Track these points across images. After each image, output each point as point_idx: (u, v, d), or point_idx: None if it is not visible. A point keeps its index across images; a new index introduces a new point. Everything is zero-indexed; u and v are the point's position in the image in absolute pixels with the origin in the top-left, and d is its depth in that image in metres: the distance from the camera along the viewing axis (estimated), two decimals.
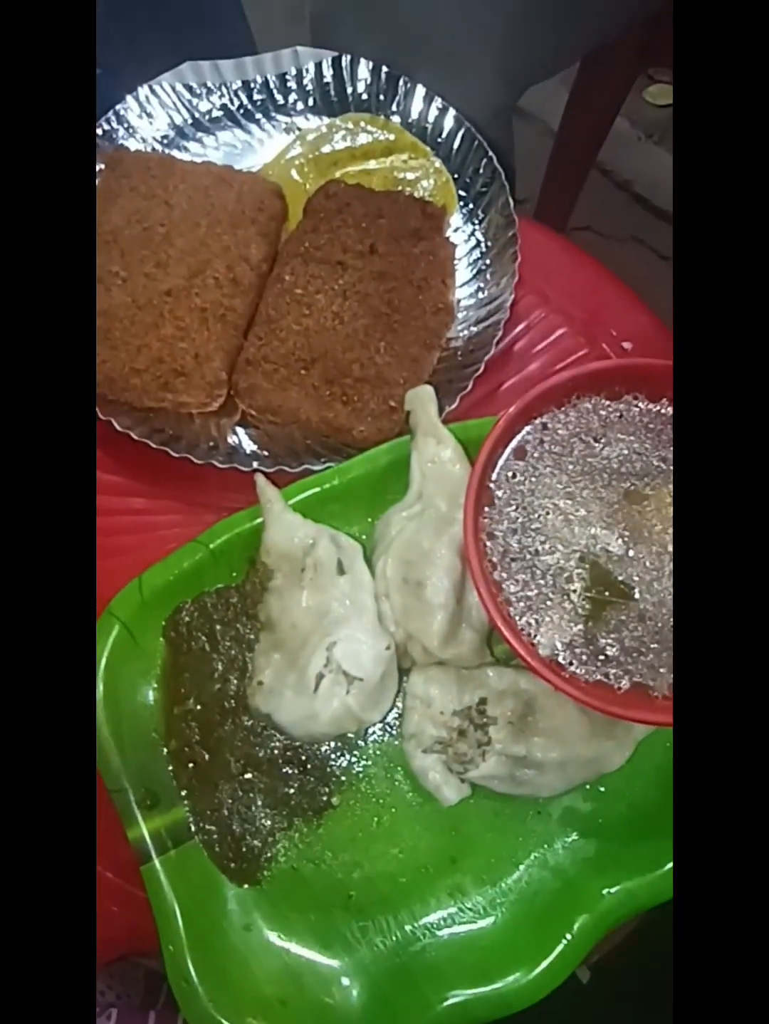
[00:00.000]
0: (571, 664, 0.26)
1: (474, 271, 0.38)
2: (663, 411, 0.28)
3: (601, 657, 0.26)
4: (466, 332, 0.36)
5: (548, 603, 0.27)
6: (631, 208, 1.11)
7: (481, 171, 0.40)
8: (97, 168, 0.38)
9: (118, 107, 0.40)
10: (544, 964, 0.25)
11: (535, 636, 0.26)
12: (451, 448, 0.31)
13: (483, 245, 0.38)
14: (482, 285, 0.37)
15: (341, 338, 0.35)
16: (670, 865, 0.26)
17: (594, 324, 0.39)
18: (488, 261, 0.38)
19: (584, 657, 0.26)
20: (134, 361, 0.33)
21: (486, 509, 0.28)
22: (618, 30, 0.52)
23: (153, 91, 0.40)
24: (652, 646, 0.26)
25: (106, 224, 0.36)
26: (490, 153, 0.39)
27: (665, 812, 0.27)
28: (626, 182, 1.15)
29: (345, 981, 0.26)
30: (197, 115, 0.41)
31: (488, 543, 0.27)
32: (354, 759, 0.29)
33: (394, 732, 0.29)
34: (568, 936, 0.25)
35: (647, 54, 0.61)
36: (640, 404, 0.28)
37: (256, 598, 0.30)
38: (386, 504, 0.32)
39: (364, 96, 0.42)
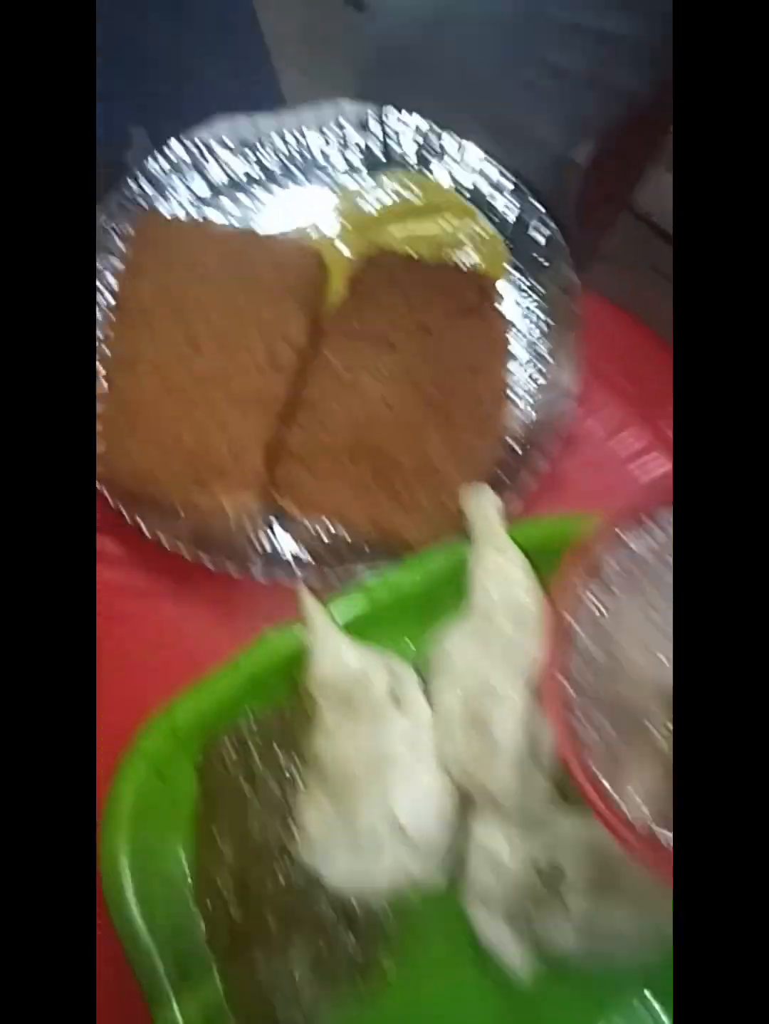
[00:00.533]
0: (660, 830, 0.23)
1: (532, 350, 0.35)
2: None
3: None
4: (526, 419, 0.34)
5: (632, 753, 0.24)
6: (651, 241, 1.09)
7: (537, 237, 0.37)
8: (127, 235, 0.35)
9: (147, 164, 0.37)
10: None
11: (620, 795, 0.23)
12: (516, 560, 0.28)
13: (541, 321, 0.36)
14: (541, 366, 0.35)
15: (390, 426, 0.32)
16: None
17: (655, 405, 0.36)
18: (547, 338, 0.35)
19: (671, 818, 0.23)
20: (165, 455, 0.30)
21: (565, 644, 0.25)
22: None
23: (185, 147, 0.38)
24: None
25: (135, 300, 0.33)
26: (547, 217, 0.37)
27: None
28: (645, 214, 1.13)
29: None
30: (231, 173, 0.39)
31: (566, 684, 0.24)
32: (412, 920, 0.26)
33: (453, 893, 0.26)
34: None
35: None
36: None
37: (301, 730, 0.27)
38: (441, 618, 0.29)
39: (409, 153, 0.40)
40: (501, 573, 0.28)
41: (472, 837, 0.26)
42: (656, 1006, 0.26)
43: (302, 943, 0.25)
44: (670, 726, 0.24)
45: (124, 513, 0.30)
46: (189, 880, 0.26)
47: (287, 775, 0.26)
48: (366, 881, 0.24)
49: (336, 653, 0.26)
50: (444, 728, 0.26)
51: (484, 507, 0.29)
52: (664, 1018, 0.26)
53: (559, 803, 0.27)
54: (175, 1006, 0.23)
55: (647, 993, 0.26)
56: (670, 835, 0.23)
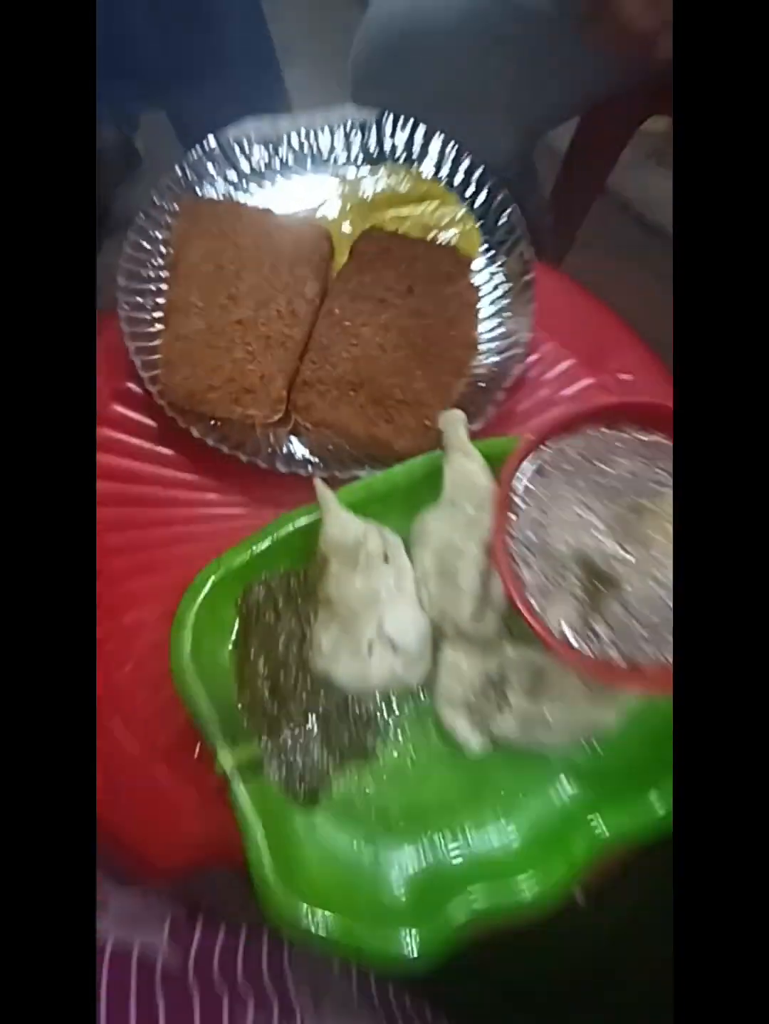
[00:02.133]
0: (575, 642, 0.32)
1: (496, 309, 0.44)
2: (656, 441, 0.35)
3: (597, 637, 0.32)
4: (489, 362, 0.43)
5: (557, 592, 0.33)
6: (630, 228, 1.18)
7: (503, 221, 0.46)
8: (175, 212, 0.44)
9: (190, 155, 0.46)
10: (550, 880, 0.31)
11: (546, 618, 0.33)
12: (478, 463, 0.37)
13: (503, 287, 0.45)
14: (502, 322, 0.44)
15: (384, 365, 0.41)
16: (656, 805, 0.32)
17: (597, 357, 0.45)
18: (508, 301, 0.44)
19: (585, 636, 0.32)
20: (210, 379, 0.39)
21: (509, 515, 0.34)
22: (621, 86, 0.59)
23: (219, 142, 0.46)
24: (639, 631, 0.32)
25: (184, 261, 0.42)
26: (512, 204, 0.46)
27: (649, 767, 0.34)
28: (627, 202, 1.22)
29: (393, 880, 0.32)
30: (256, 164, 0.47)
31: (510, 542, 0.34)
32: (396, 716, 0.35)
33: (426, 695, 0.36)
34: (569, 860, 0.32)
35: (654, 100, 0.68)
36: (637, 435, 0.35)
37: (316, 580, 0.36)
38: (422, 507, 0.38)
39: (400, 149, 0.48)
40: (466, 471, 0.37)
41: (441, 655, 0.35)
42: (568, 787, 0.35)
43: (316, 725, 0.35)
44: (587, 573, 0.34)
45: (179, 421, 0.38)
46: (233, 681, 0.35)
47: (303, 610, 0.36)
48: (363, 680, 0.34)
49: (342, 521, 0.35)
50: (421, 578, 0.35)
51: (455, 425, 0.38)
52: (577, 793, 0.35)
53: (506, 634, 0.36)
54: (225, 754, 0.32)
55: (563, 777, 0.35)
56: (579, 644, 0.32)
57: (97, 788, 0.30)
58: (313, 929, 0.30)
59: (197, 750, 0.34)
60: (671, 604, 0.32)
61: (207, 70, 0.65)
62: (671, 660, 0.31)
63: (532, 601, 0.33)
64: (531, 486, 0.35)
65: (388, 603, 0.34)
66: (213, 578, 0.35)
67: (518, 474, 0.34)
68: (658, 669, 0.31)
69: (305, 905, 0.30)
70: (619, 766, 0.35)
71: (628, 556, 0.33)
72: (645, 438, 0.35)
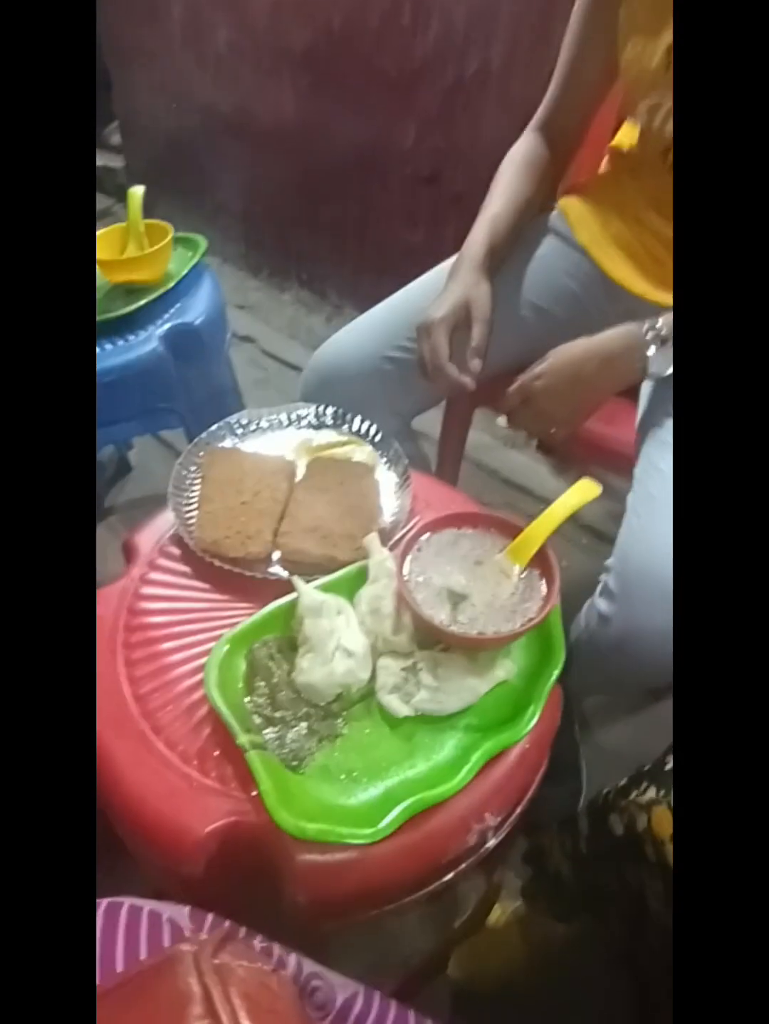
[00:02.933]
0: (451, 626, 0.56)
1: (391, 493, 0.76)
2: (476, 534, 0.63)
3: (462, 623, 0.56)
4: (390, 518, 0.73)
5: (436, 605, 0.57)
6: (501, 486, 1.64)
7: (395, 458, 0.81)
8: (201, 455, 0.76)
9: (212, 430, 0.80)
10: (457, 777, 0.49)
11: (433, 618, 0.56)
12: (386, 555, 0.64)
13: (395, 486, 0.77)
14: (395, 497, 0.75)
15: (328, 520, 0.70)
16: (513, 721, 0.53)
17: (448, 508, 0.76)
18: (396, 488, 0.76)
19: (455, 623, 0.56)
20: (226, 533, 0.67)
21: (404, 573, 0.60)
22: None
23: (232, 427, 0.82)
24: (480, 618, 0.56)
25: (209, 478, 0.72)
26: (394, 443, 0.81)
27: (507, 711, 0.54)
28: (494, 471, 1.70)
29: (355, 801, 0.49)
30: (246, 427, 0.82)
31: (406, 585, 0.59)
32: (352, 706, 0.55)
33: (371, 688, 0.56)
34: (467, 764, 0.50)
35: (480, 399, 1.12)
36: (467, 531, 0.64)
37: (297, 632, 0.59)
38: (359, 587, 0.63)
39: (331, 421, 0.85)
40: (380, 559, 0.63)
41: (379, 661, 0.57)
42: (462, 730, 0.54)
43: (300, 718, 0.54)
44: (450, 595, 0.58)
45: (207, 557, 0.64)
46: (246, 698, 0.54)
47: (288, 657, 0.57)
48: (330, 677, 0.54)
49: (310, 593, 0.60)
50: (361, 616, 0.59)
51: (373, 540, 0.66)
52: (467, 733, 0.54)
53: (414, 642, 0.58)
54: (241, 738, 0.51)
55: (460, 723, 0.55)
56: (453, 627, 0.55)
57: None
58: (302, 832, 0.46)
59: (217, 750, 0.52)
60: (501, 604, 0.57)
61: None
62: (498, 632, 0.55)
63: (423, 612, 0.57)
64: (415, 557, 0.62)
65: (342, 630, 0.57)
66: (230, 638, 0.57)
67: (408, 554, 0.61)
68: (495, 636, 0.54)
69: (295, 820, 0.47)
70: (492, 716, 0.55)
71: (469, 584, 0.59)
72: (471, 530, 0.63)
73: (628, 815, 0.54)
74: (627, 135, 0.88)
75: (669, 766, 0.55)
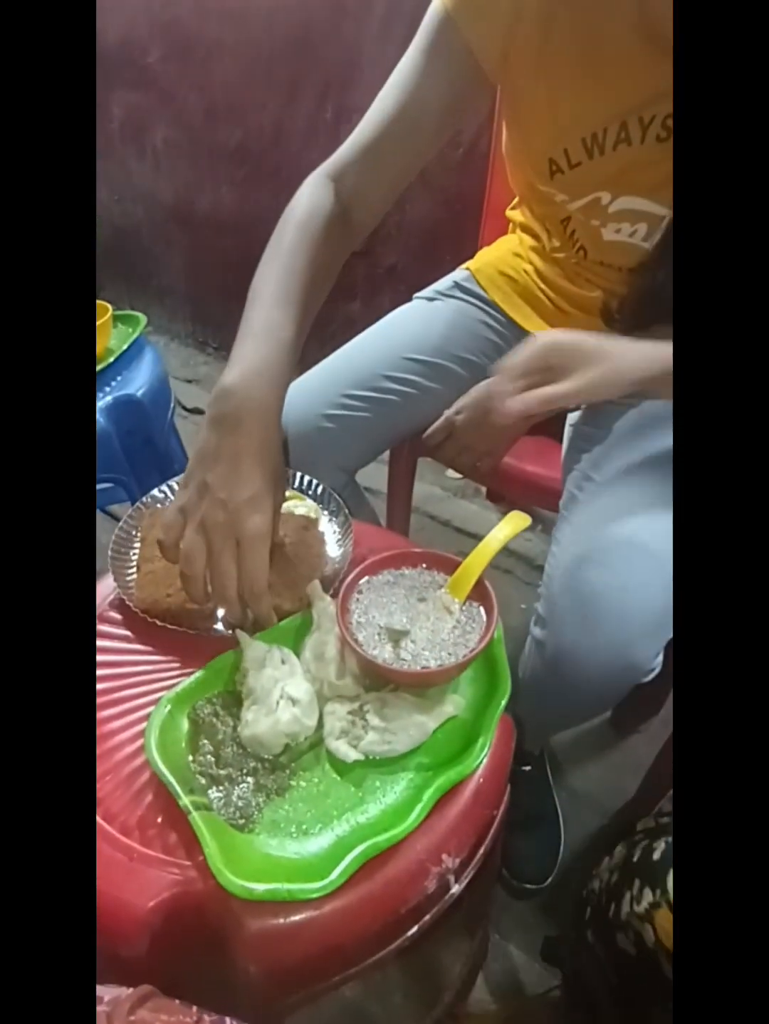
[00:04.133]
0: (393, 664, 0.55)
1: (334, 541, 0.77)
2: (416, 573, 0.64)
3: (406, 660, 0.56)
4: (331, 567, 0.73)
5: (378, 644, 0.57)
6: (454, 535, 1.66)
7: (337, 509, 0.82)
8: (140, 514, 0.76)
9: (152, 493, 0.81)
10: (410, 818, 0.48)
11: (375, 656, 0.56)
12: (329, 602, 0.64)
13: (337, 535, 0.78)
14: (338, 546, 0.76)
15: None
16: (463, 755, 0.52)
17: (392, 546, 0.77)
18: (338, 538, 0.77)
19: (398, 661, 0.56)
20: (167, 591, 0.66)
21: (347, 615, 0.60)
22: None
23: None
24: (423, 654, 0.57)
25: (147, 540, 0.72)
26: (339, 500, 0.83)
27: (458, 746, 0.53)
28: (447, 521, 1.73)
29: (307, 852, 0.47)
30: None
31: (351, 627, 0.59)
32: (300, 757, 0.54)
33: (318, 738, 0.55)
34: (420, 804, 0.49)
35: (421, 449, 1.16)
36: (406, 570, 0.64)
37: (241, 685, 0.58)
38: (304, 635, 0.63)
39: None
40: (323, 606, 0.64)
41: (325, 707, 0.56)
42: (413, 770, 0.53)
43: (247, 774, 0.52)
44: (390, 633, 0.58)
45: (148, 618, 0.63)
46: (190, 758, 0.53)
47: (233, 713, 0.56)
48: (275, 727, 0.53)
49: (253, 645, 0.59)
50: (306, 663, 0.58)
51: (318, 591, 0.66)
52: (418, 772, 0.53)
53: (360, 685, 0.58)
54: (183, 800, 0.49)
55: (411, 763, 0.54)
56: (395, 665, 0.55)
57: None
58: (250, 893, 0.44)
59: (160, 817, 0.50)
60: (442, 639, 0.57)
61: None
62: (442, 665, 0.55)
63: (365, 651, 0.57)
64: (356, 599, 0.62)
65: (287, 679, 0.57)
66: (172, 699, 0.56)
67: (350, 596, 0.62)
68: (440, 669, 0.55)
69: (242, 882, 0.45)
70: (442, 753, 0.54)
71: (409, 621, 0.59)
72: (411, 569, 0.64)
73: (633, 932, 0.53)
74: (522, 212, 0.94)
75: (655, 854, 0.55)
